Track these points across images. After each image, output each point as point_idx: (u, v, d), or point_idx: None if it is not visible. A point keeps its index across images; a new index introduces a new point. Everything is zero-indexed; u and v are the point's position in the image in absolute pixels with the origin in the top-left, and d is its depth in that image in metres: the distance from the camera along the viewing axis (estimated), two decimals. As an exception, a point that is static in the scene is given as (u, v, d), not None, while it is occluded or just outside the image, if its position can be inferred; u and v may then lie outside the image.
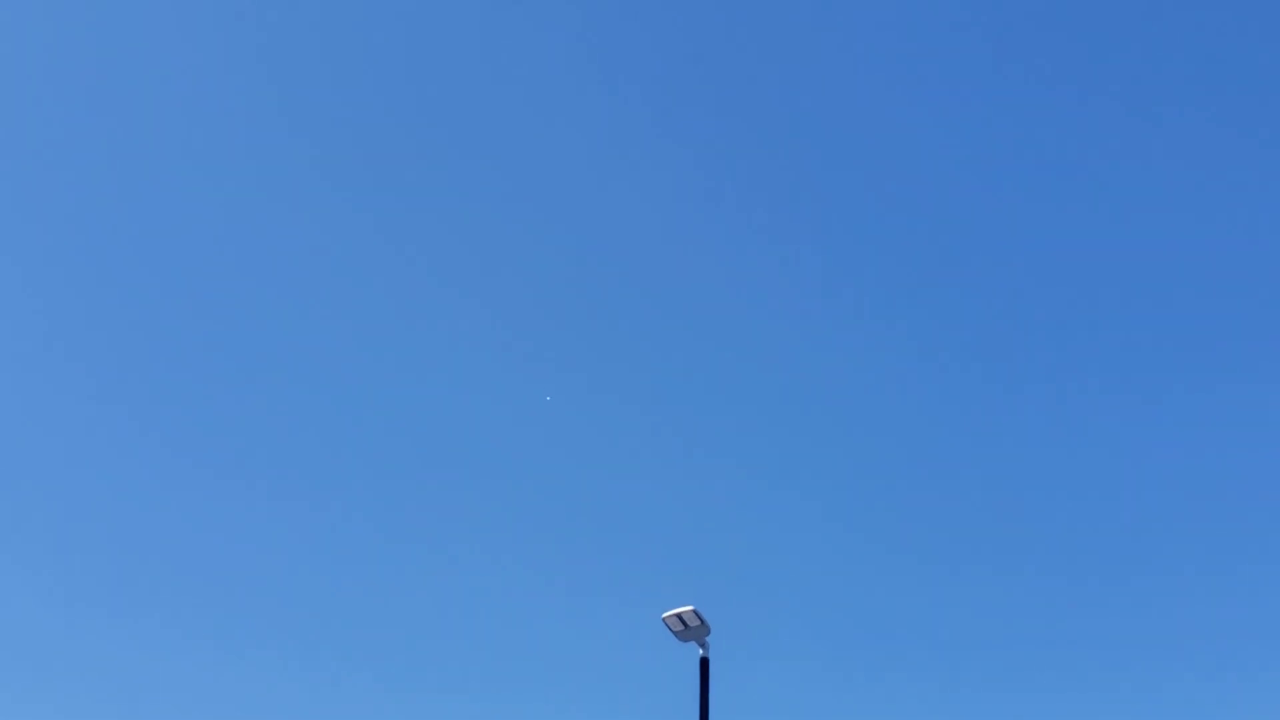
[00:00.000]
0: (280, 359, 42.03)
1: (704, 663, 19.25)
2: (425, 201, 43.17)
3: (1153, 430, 40.71)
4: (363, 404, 41.71)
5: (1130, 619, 37.26)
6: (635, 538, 39.28)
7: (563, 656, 36.90)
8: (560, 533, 39.76)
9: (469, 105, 42.56)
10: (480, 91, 42.28)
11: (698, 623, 19.05)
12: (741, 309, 42.81)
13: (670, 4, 42.40)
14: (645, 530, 39.22)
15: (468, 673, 36.75)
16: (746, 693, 30.60)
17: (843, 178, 43.41)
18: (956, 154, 43.02)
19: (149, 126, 41.72)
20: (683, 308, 42.50)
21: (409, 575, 39.38)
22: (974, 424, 41.60)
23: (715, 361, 42.17)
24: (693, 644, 19.32)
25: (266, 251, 42.41)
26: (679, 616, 19.06)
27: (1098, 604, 37.66)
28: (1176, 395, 40.86)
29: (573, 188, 42.81)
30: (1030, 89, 42.46)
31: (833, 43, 42.69)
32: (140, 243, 41.98)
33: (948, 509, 40.41)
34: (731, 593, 34.86)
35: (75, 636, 36.83)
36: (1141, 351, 41.75)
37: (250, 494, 40.15)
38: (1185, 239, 42.10)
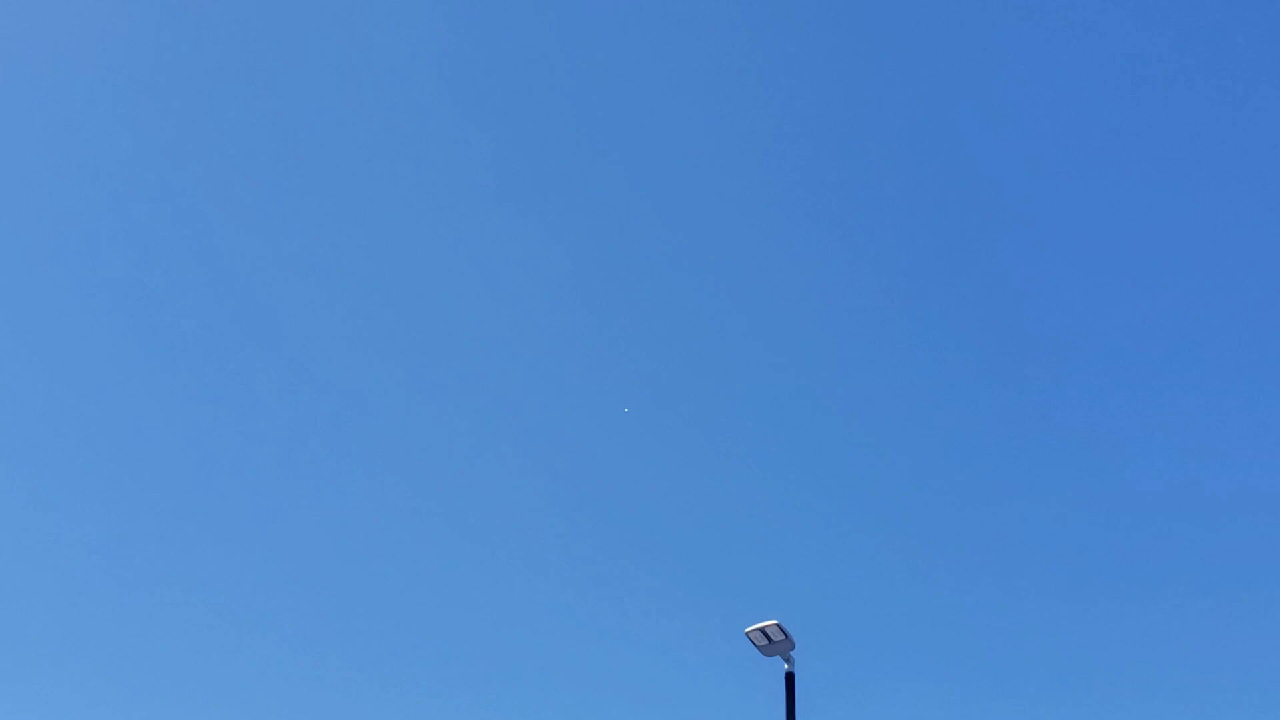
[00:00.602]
0: (311, 357, 42.20)
1: (789, 677, 19.10)
2: (460, 201, 43.24)
3: (1190, 434, 40.18)
4: (396, 408, 41.78)
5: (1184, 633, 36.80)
6: (720, 555, 39.17)
7: (647, 672, 36.85)
8: (643, 551, 39.76)
9: (476, 103, 42.65)
10: (489, 90, 42.43)
11: (781, 637, 18.90)
12: (796, 325, 42.56)
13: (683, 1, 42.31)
14: (729, 547, 39.11)
15: (551, 687, 36.77)
16: (833, 708, 30.38)
17: (889, 182, 43.13)
18: (978, 154, 42.72)
19: (151, 126, 42.14)
20: (752, 320, 42.33)
21: (500, 598, 39.45)
22: (1046, 441, 41.10)
23: (792, 381, 42.01)
24: (777, 659, 19.21)
25: (291, 247, 42.66)
26: (763, 631, 18.93)
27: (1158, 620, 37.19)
28: (1210, 402, 40.30)
29: (593, 190, 42.76)
30: (1033, 89, 42.13)
31: (845, 39, 42.46)
32: (151, 241, 42.36)
33: (1027, 530, 39.99)
34: (815, 608, 34.74)
35: (85, 630, 37.27)
36: (1176, 358, 41.25)
37: (321, 490, 40.43)
38: (1193, 241, 41.65)
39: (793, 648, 19.05)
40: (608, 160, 42.94)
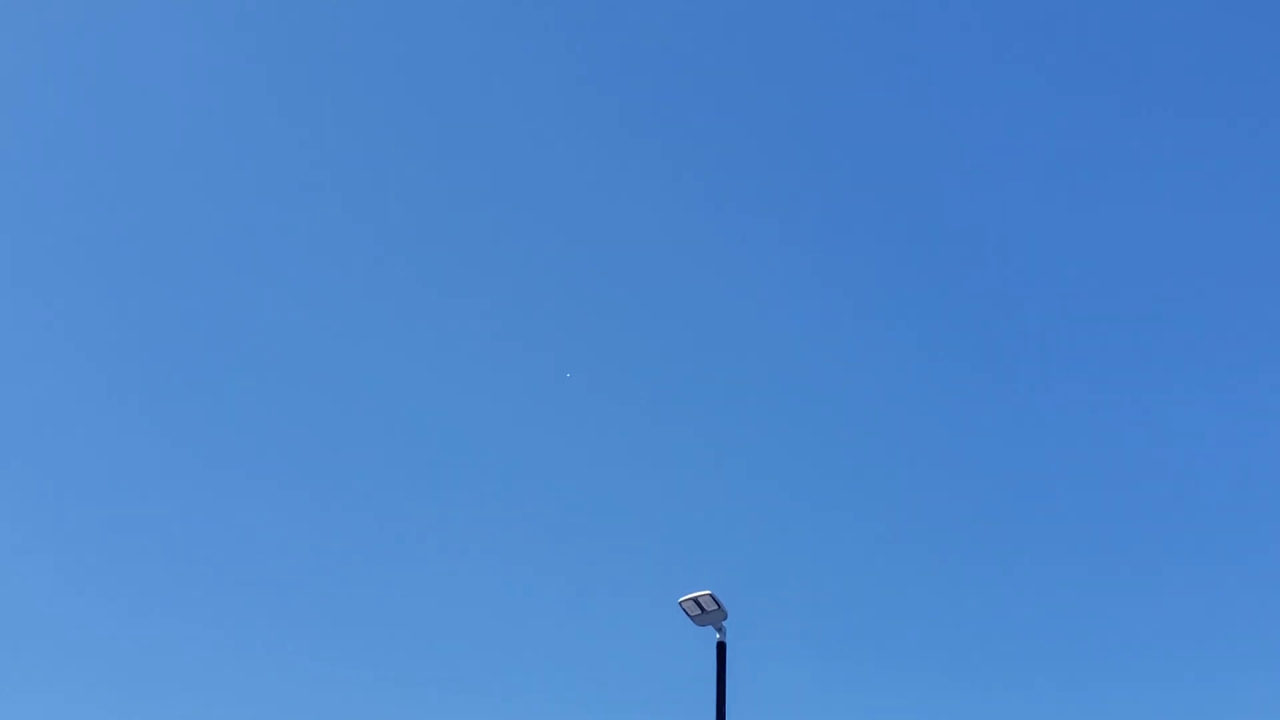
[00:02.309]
0: (297, 359, 42.20)
1: (720, 647, 19.29)
2: (436, 203, 43.34)
3: (1167, 427, 40.82)
4: (377, 405, 41.88)
5: (1157, 613, 37.40)
6: (650, 530, 39.39)
7: (580, 646, 37.03)
8: (575, 528, 39.94)
9: (473, 106, 42.81)
10: (485, 93, 42.58)
11: (714, 607, 19.09)
12: (749, 307, 42.99)
13: (671, 3, 42.61)
14: (660, 522, 39.36)
15: (486, 666, 36.91)
16: (762, 677, 30.70)
17: (849, 178, 43.56)
18: (963, 154, 43.24)
19: (151, 127, 42.01)
20: (689, 307, 42.67)
21: (426, 574, 39.52)
22: (990, 417, 41.64)
23: (725, 358, 42.31)
24: (709, 628, 19.39)
25: (279, 251, 42.71)
26: (696, 601, 19.11)
27: (1113, 597, 37.77)
28: (1187, 392, 40.97)
29: (582, 189, 42.99)
30: (1032, 87, 42.62)
31: (837, 42, 42.87)
32: (149, 243, 42.27)
33: (962, 499, 40.48)
34: (746, 580, 34.97)
35: (85, 631, 37.07)
36: (1149, 349, 41.86)
37: (273, 494, 40.43)
38: (1187, 237, 42.25)
39: (725, 617, 19.24)
40: (603, 158, 43.35)
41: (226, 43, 41.73)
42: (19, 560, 37.99)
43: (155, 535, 39.34)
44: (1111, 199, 42.42)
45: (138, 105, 41.91)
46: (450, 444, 41.58)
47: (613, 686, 35.70)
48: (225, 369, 41.37)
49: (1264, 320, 40.40)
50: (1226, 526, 38.47)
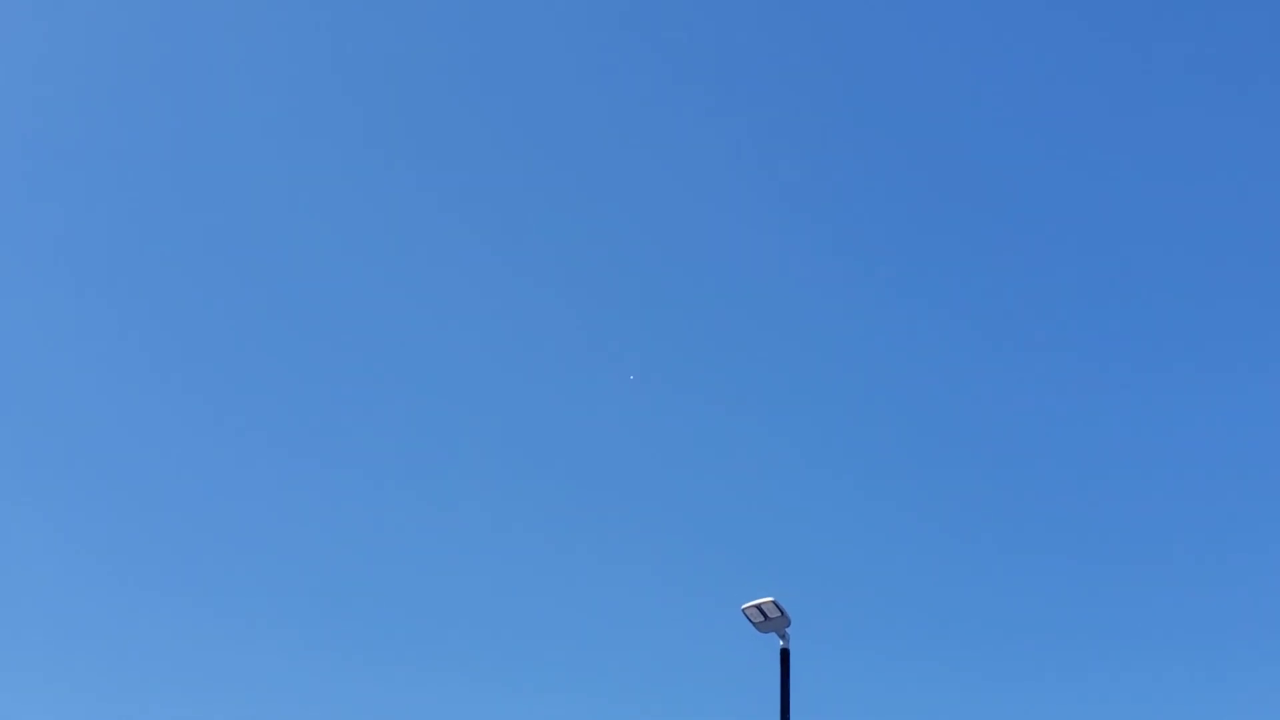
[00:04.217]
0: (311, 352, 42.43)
1: (784, 654, 19.20)
2: (499, 196, 43.45)
3: (1207, 421, 40.43)
4: (447, 401, 42.06)
5: (1193, 607, 37.07)
6: (714, 532, 39.33)
7: (643, 649, 37.02)
8: (639, 527, 39.90)
9: (502, 97, 42.87)
10: (509, 85, 42.66)
11: (777, 614, 18.98)
12: (808, 304, 42.83)
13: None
14: (724, 525, 39.27)
15: (546, 667, 36.93)
16: (827, 684, 30.59)
17: (914, 175, 43.36)
18: (994, 142, 43.00)
19: (182, 129, 42.30)
20: (747, 303, 42.55)
21: (487, 571, 39.62)
22: (1057, 416, 41.29)
23: (793, 358, 42.18)
24: (773, 635, 19.31)
25: (289, 245, 42.92)
26: (759, 608, 19.02)
27: (1159, 591, 37.48)
28: (1221, 385, 40.58)
29: (630, 182, 43.05)
30: (1035, 80, 42.39)
31: (874, 27, 42.75)
32: (154, 239, 42.50)
33: (1030, 504, 40.17)
34: (810, 586, 34.91)
35: (92, 621, 37.39)
36: (1185, 341, 41.49)
37: (352, 491, 40.67)
38: (1210, 229, 41.84)
39: (788, 624, 19.14)
40: (610, 161, 43.35)
41: (263, 42, 42.03)
42: (19, 558, 38.40)
43: (164, 531, 39.65)
44: (1143, 187, 42.14)
45: (154, 104, 42.35)
46: (510, 440, 41.72)
47: (678, 690, 35.69)
48: (231, 362, 41.70)
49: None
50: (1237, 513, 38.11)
